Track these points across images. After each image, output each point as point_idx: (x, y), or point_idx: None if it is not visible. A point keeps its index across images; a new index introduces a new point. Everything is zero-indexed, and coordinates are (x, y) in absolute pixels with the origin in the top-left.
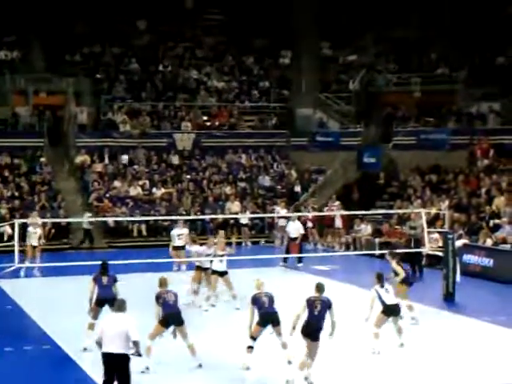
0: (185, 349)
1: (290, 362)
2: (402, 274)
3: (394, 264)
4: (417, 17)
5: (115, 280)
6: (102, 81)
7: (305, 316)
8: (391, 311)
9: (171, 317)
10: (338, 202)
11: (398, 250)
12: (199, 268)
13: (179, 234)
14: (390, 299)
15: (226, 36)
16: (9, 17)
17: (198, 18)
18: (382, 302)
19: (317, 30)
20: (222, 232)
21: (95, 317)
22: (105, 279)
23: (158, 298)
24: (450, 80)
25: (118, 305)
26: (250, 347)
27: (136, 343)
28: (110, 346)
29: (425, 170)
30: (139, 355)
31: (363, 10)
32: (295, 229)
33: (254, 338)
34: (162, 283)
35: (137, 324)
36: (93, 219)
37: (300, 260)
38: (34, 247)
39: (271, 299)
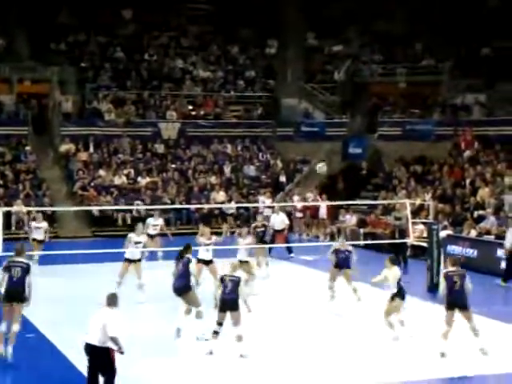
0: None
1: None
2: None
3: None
4: (402, 8)
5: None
6: (87, 69)
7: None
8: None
9: None
10: (323, 196)
11: (382, 241)
12: (200, 261)
13: (154, 224)
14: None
15: (211, 25)
16: None
17: (184, 7)
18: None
19: (303, 20)
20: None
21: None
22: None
23: None
24: (436, 71)
25: (108, 299)
26: (216, 332)
27: (113, 339)
28: (90, 336)
29: (410, 161)
30: (121, 353)
31: (349, 1)
32: (280, 221)
33: (219, 324)
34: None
35: (122, 320)
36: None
37: (290, 250)
38: (40, 242)
39: (236, 284)
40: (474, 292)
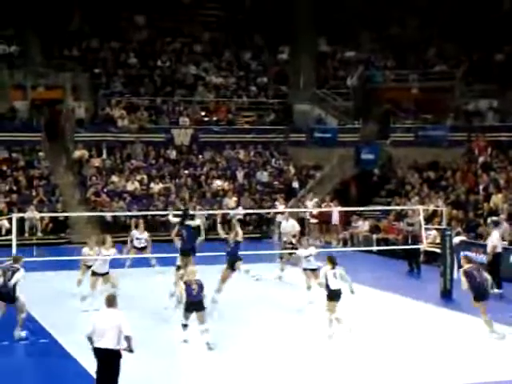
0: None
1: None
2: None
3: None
4: (415, 13)
5: None
6: (100, 75)
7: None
8: (335, 297)
9: None
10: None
11: (395, 247)
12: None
13: (138, 238)
14: (336, 284)
15: (224, 32)
16: (7, 10)
17: (196, 14)
18: (327, 286)
19: (315, 26)
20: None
21: None
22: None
23: None
24: (448, 77)
25: (108, 300)
26: (185, 325)
27: (128, 338)
28: (102, 340)
29: (423, 167)
30: (131, 351)
31: (361, 6)
32: (290, 226)
33: (185, 326)
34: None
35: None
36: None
37: None
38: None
39: (201, 287)
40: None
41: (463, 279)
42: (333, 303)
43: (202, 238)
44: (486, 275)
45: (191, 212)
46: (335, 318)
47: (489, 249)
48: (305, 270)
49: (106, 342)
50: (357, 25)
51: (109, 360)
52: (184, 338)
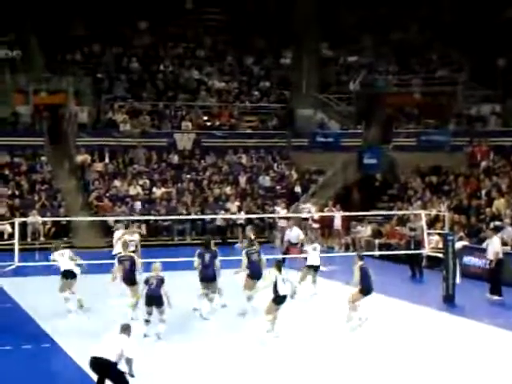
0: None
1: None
2: (356, 279)
3: (356, 267)
4: (418, 18)
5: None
6: (103, 80)
7: None
8: (280, 301)
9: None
10: (338, 207)
11: (397, 252)
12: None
13: (130, 240)
14: (284, 290)
15: (226, 36)
16: (9, 15)
17: (199, 19)
18: (276, 291)
19: (317, 30)
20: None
21: None
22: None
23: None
24: (451, 82)
25: (122, 327)
26: (147, 320)
27: (129, 360)
28: (101, 351)
29: (425, 172)
30: (132, 376)
31: (364, 11)
32: (295, 236)
33: (147, 321)
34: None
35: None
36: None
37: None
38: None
39: (160, 281)
40: (491, 303)
41: (356, 272)
42: (276, 307)
43: None
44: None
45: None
46: (269, 320)
47: (491, 255)
48: (309, 267)
49: (103, 352)
50: (359, 30)
51: (103, 369)
52: (145, 332)
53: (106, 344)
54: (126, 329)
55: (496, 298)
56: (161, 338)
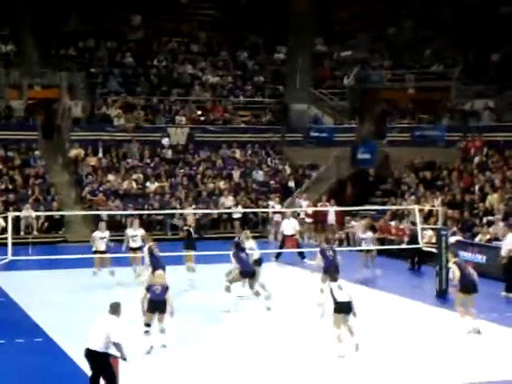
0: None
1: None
2: (457, 277)
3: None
4: (411, 13)
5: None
6: (97, 75)
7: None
8: (342, 309)
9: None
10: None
11: (398, 246)
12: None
13: (133, 236)
14: (343, 296)
15: (220, 31)
16: (3, 10)
17: (193, 13)
18: (334, 299)
19: (311, 25)
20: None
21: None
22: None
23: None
24: (445, 77)
25: (111, 307)
26: (147, 331)
27: (116, 345)
28: (90, 342)
29: (419, 167)
30: (124, 359)
31: (358, 7)
32: (291, 227)
33: (148, 325)
34: None
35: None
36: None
37: (303, 256)
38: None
39: (165, 289)
40: (483, 298)
41: (455, 270)
42: (341, 317)
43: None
44: (473, 270)
45: None
46: (348, 329)
47: (504, 252)
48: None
49: (93, 344)
50: (353, 25)
51: (95, 361)
52: (151, 345)
53: (94, 332)
54: (115, 309)
55: (510, 295)
56: (166, 347)
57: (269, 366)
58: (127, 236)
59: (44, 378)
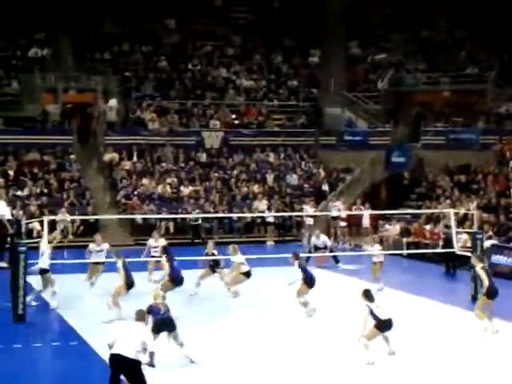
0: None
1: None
2: (486, 282)
3: (479, 270)
4: (446, 16)
5: None
6: (131, 79)
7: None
8: (386, 326)
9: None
10: (367, 205)
11: (432, 250)
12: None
13: (154, 246)
14: (384, 314)
15: (254, 35)
16: (39, 14)
17: (227, 17)
18: (376, 317)
19: (345, 29)
20: None
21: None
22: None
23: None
24: (480, 80)
25: (138, 314)
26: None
27: (152, 354)
28: (122, 348)
29: (454, 170)
30: (152, 366)
31: (393, 9)
32: (322, 242)
33: None
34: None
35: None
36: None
37: (337, 260)
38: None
39: (168, 308)
40: None
41: (483, 275)
42: (379, 333)
43: None
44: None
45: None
46: (384, 338)
47: None
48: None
49: (125, 350)
50: (388, 27)
51: (125, 367)
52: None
53: (124, 338)
54: (141, 316)
55: None
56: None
57: (303, 373)
58: (148, 247)
59: (78, 380)
